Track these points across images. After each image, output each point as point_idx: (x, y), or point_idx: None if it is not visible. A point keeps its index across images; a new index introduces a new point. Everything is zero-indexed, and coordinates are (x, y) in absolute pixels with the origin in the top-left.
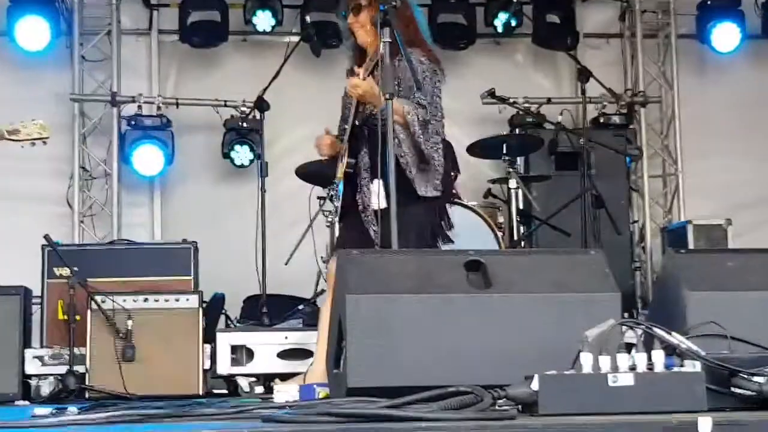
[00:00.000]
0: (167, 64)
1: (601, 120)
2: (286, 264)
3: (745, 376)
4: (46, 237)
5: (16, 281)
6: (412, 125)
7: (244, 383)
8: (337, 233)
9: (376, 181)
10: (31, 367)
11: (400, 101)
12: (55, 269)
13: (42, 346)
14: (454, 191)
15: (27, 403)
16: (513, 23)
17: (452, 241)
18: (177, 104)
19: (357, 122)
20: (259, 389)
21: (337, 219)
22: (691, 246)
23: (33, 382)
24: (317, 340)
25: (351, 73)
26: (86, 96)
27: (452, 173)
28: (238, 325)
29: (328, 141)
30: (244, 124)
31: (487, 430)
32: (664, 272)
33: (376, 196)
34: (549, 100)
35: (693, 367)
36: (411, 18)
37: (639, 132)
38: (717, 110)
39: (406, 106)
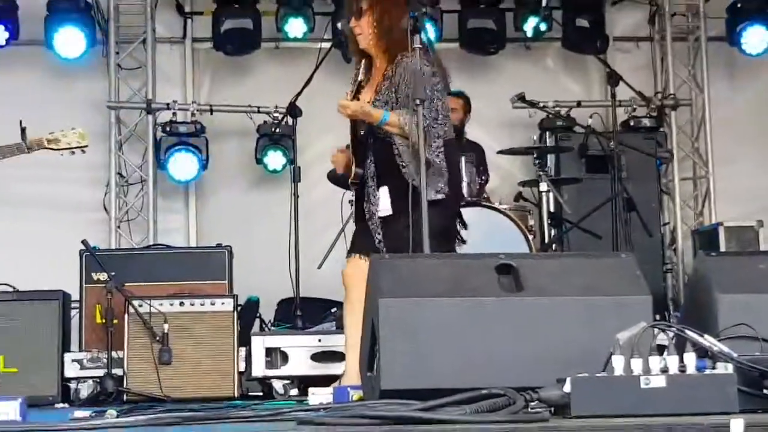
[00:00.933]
0: (201, 71)
1: (632, 123)
2: (319, 267)
3: None
4: (84, 242)
5: (54, 286)
6: (411, 137)
7: (278, 386)
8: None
9: (382, 188)
10: (70, 371)
11: (398, 113)
12: (92, 274)
13: (81, 350)
14: (485, 195)
15: (66, 405)
16: (543, 27)
17: (464, 242)
18: (211, 111)
19: (362, 132)
20: (294, 391)
21: (353, 222)
22: (722, 248)
23: (72, 385)
24: (345, 344)
25: (356, 78)
26: (122, 103)
27: (482, 177)
28: (272, 328)
29: (342, 159)
30: (277, 130)
31: None
32: (695, 275)
33: (383, 203)
34: (579, 104)
35: (725, 369)
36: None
37: (669, 135)
38: (747, 113)
39: (404, 117)
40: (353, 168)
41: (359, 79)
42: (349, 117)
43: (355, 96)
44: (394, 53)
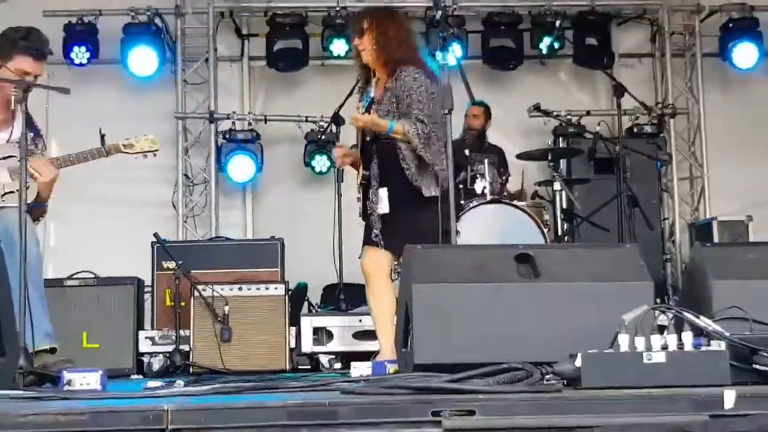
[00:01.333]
0: (257, 86)
1: (635, 130)
2: (359, 257)
3: (766, 354)
4: (156, 235)
5: (130, 273)
6: (413, 141)
7: (324, 360)
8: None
9: (382, 189)
10: (144, 346)
11: (400, 122)
12: (163, 262)
13: (153, 329)
14: (505, 193)
15: (140, 377)
16: (556, 46)
17: (458, 232)
18: (265, 120)
19: (368, 138)
20: (338, 365)
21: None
22: (716, 240)
23: (145, 359)
24: (374, 324)
25: (361, 90)
26: (188, 114)
27: (503, 177)
28: (318, 310)
29: (340, 153)
30: (323, 137)
31: (536, 402)
32: (692, 263)
33: (382, 201)
34: (588, 113)
35: (718, 346)
36: (404, 38)
37: (668, 140)
38: (738, 120)
39: (406, 125)
40: (360, 170)
41: (372, 96)
42: (360, 128)
43: (368, 110)
44: (393, 67)
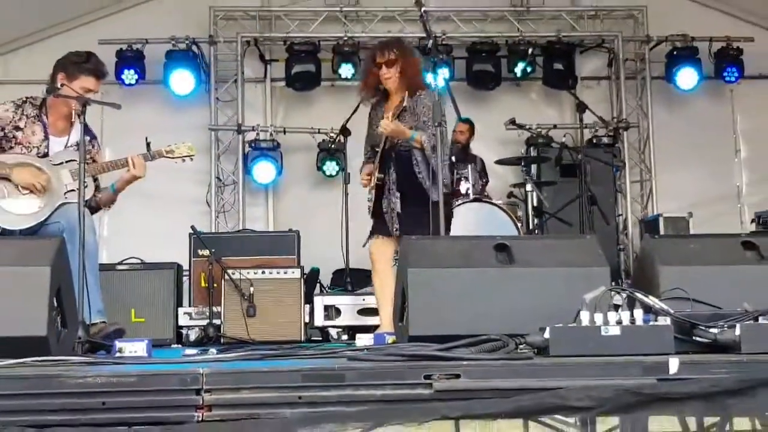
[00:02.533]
0: (277, 103)
1: (594, 140)
2: (363, 246)
3: (703, 328)
4: (192, 227)
5: (171, 259)
6: (427, 149)
7: (333, 332)
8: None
9: (398, 193)
10: (183, 320)
11: (419, 132)
12: (198, 250)
13: (190, 306)
14: (485, 194)
15: (179, 346)
16: (528, 70)
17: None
18: (284, 132)
19: (386, 146)
20: (345, 337)
21: (371, 214)
22: (662, 233)
23: (184, 331)
24: (377, 302)
25: (374, 109)
26: (219, 126)
27: (483, 180)
28: (329, 290)
29: (366, 181)
30: (333, 146)
31: (511, 367)
32: (642, 252)
33: (398, 202)
34: (555, 126)
35: (664, 321)
36: (420, 68)
37: (622, 149)
38: (681, 133)
39: (423, 135)
40: (375, 174)
41: (392, 112)
42: (389, 134)
43: (396, 118)
44: (412, 91)
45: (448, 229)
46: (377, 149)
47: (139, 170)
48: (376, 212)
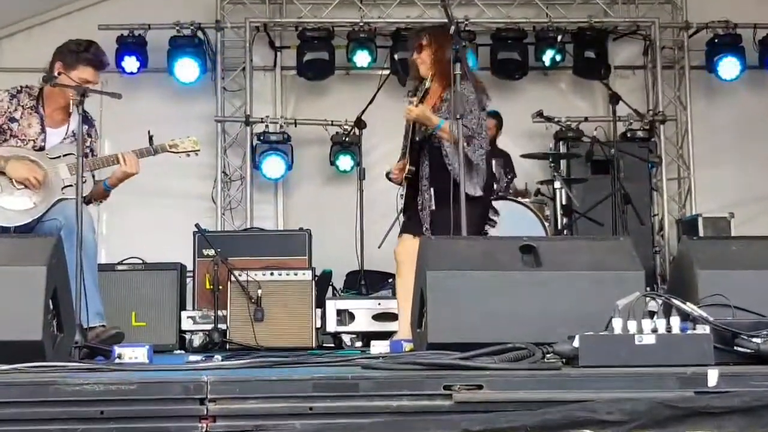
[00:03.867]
0: (288, 93)
1: (628, 135)
2: (379, 247)
3: (746, 337)
4: (197, 225)
5: (174, 259)
6: (458, 138)
7: (346, 339)
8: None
9: (431, 188)
10: (186, 325)
11: (448, 121)
12: (203, 250)
13: (194, 309)
14: (510, 191)
15: (183, 352)
16: (557, 58)
17: (494, 224)
18: (295, 124)
19: (417, 138)
20: (359, 344)
21: (402, 211)
22: (701, 234)
23: (187, 336)
24: (398, 307)
25: (410, 94)
26: (226, 118)
27: (509, 176)
28: (342, 294)
29: (399, 176)
30: (347, 139)
31: (538, 378)
32: (680, 255)
33: (431, 200)
34: (586, 119)
35: (703, 330)
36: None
37: (659, 144)
38: (721, 126)
39: (453, 125)
40: (407, 167)
41: (426, 87)
42: (413, 120)
43: (420, 102)
44: (447, 79)
45: (488, 223)
46: (406, 143)
47: (131, 167)
48: (408, 209)
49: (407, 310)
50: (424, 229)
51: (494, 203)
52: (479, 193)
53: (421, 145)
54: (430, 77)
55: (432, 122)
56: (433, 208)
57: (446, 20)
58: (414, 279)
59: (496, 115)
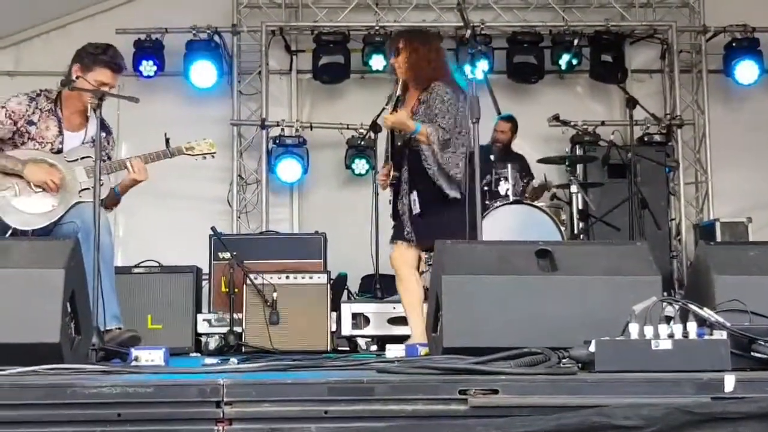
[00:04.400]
0: (303, 96)
1: (645, 138)
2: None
3: (763, 343)
4: (213, 229)
5: (189, 262)
6: (433, 143)
7: (362, 342)
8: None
9: (413, 192)
10: (202, 328)
11: (425, 125)
12: (219, 253)
13: (209, 312)
14: (526, 194)
15: (198, 354)
16: (574, 62)
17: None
18: (311, 127)
19: (398, 143)
20: (374, 347)
21: (392, 216)
22: (718, 239)
23: (203, 339)
24: (405, 312)
25: (389, 97)
26: (242, 121)
27: (524, 180)
28: (357, 297)
29: (385, 181)
30: (362, 143)
31: (553, 383)
32: (697, 260)
33: (415, 204)
34: (603, 123)
35: (720, 335)
36: (433, 57)
37: (676, 148)
38: (739, 131)
39: (429, 128)
40: (391, 172)
41: (397, 95)
42: (389, 127)
43: (394, 110)
44: (424, 82)
45: (471, 231)
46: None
47: (139, 174)
48: (395, 215)
49: (414, 314)
50: (405, 233)
51: (511, 207)
52: (456, 195)
53: (401, 149)
54: (402, 82)
55: (409, 127)
56: (418, 211)
57: (462, 24)
58: (429, 283)
59: (510, 119)
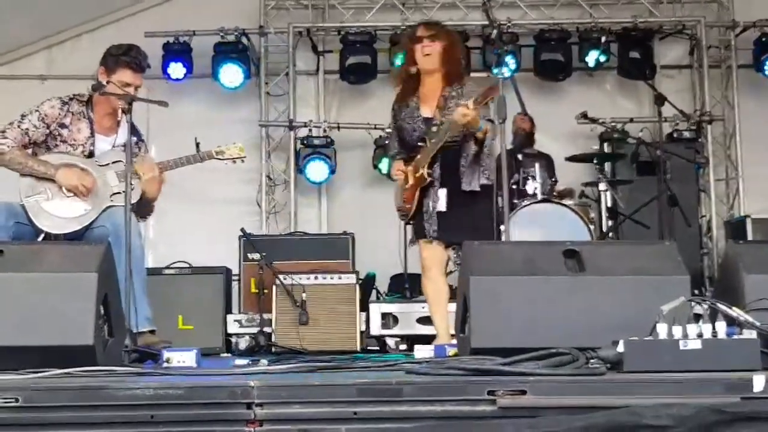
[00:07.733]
0: (331, 97)
1: (675, 135)
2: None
3: None
4: (242, 230)
5: (220, 263)
6: (485, 144)
7: (391, 342)
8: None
9: (442, 189)
10: (232, 328)
11: (485, 122)
12: (248, 254)
13: (240, 312)
14: (554, 193)
15: (229, 355)
16: (602, 59)
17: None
18: (338, 127)
19: (432, 140)
20: (403, 347)
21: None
22: (749, 237)
23: (233, 339)
24: (431, 312)
25: (402, 100)
26: (270, 122)
27: (552, 180)
28: (386, 297)
29: (403, 178)
30: (389, 142)
31: (582, 383)
32: (726, 258)
33: (441, 201)
34: (631, 120)
35: (750, 335)
36: (461, 59)
37: (706, 144)
38: None
39: (489, 126)
40: (421, 170)
41: (417, 95)
42: (465, 124)
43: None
44: (451, 79)
45: (493, 226)
46: (421, 144)
47: (145, 173)
48: (415, 214)
49: (440, 312)
50: (432, 230)
51: (539, 206)
52: (474, 186)
53: (436, 147)
54: (435, 73)
55: (478, 123)
56: (443, 208)
57: (488, 23)
58: (458, 283)
59: (524, 113)
